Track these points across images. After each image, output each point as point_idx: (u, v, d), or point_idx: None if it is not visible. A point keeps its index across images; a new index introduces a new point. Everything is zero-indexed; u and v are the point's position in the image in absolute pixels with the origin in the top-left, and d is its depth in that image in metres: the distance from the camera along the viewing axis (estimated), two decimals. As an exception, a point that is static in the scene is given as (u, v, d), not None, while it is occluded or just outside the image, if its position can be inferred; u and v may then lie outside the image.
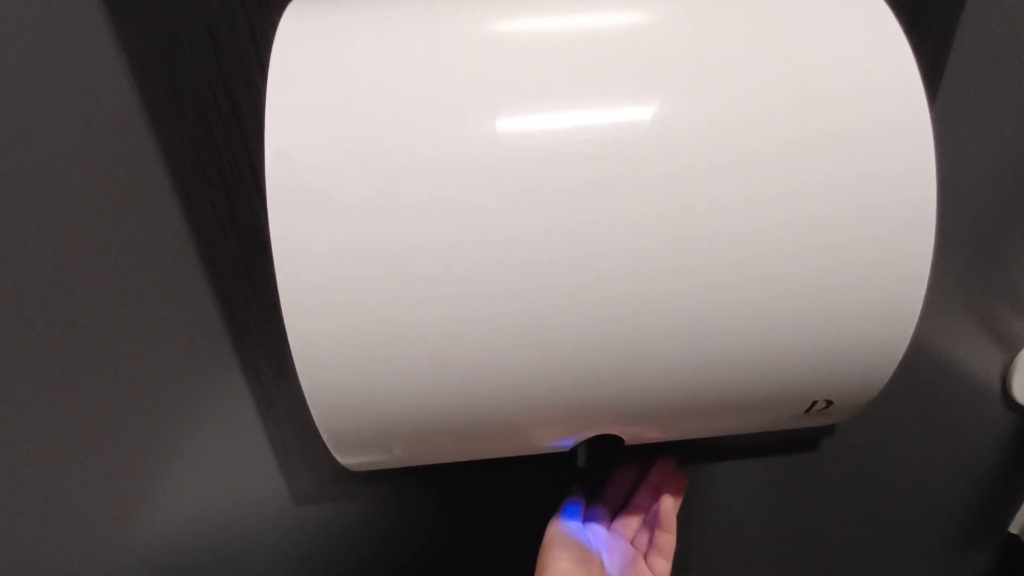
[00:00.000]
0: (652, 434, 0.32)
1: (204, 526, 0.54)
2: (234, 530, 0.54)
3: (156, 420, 0.47)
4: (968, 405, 0.55)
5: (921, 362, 0.52)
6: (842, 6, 0.27)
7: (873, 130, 0.25)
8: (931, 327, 0.50)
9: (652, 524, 0.37)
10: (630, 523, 0.37)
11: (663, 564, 0.35)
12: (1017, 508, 0.63)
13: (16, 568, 0.52)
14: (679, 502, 0.37)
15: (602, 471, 0.35)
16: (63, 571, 0.54)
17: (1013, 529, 0.63)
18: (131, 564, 0.54)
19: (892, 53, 0.26)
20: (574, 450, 0.32)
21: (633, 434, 0.31)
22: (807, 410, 0.30)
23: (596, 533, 0.36)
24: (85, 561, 0.53)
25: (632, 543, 0.36)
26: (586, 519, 0.37)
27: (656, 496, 0.38)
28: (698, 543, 0.62)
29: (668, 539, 0.36)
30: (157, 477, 0.50)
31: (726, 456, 0.55)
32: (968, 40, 0.38)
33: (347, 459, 0.29)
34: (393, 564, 0.59)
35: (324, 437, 0.27)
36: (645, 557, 0.36)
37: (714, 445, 0.54)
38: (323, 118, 0.24)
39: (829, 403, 0.29)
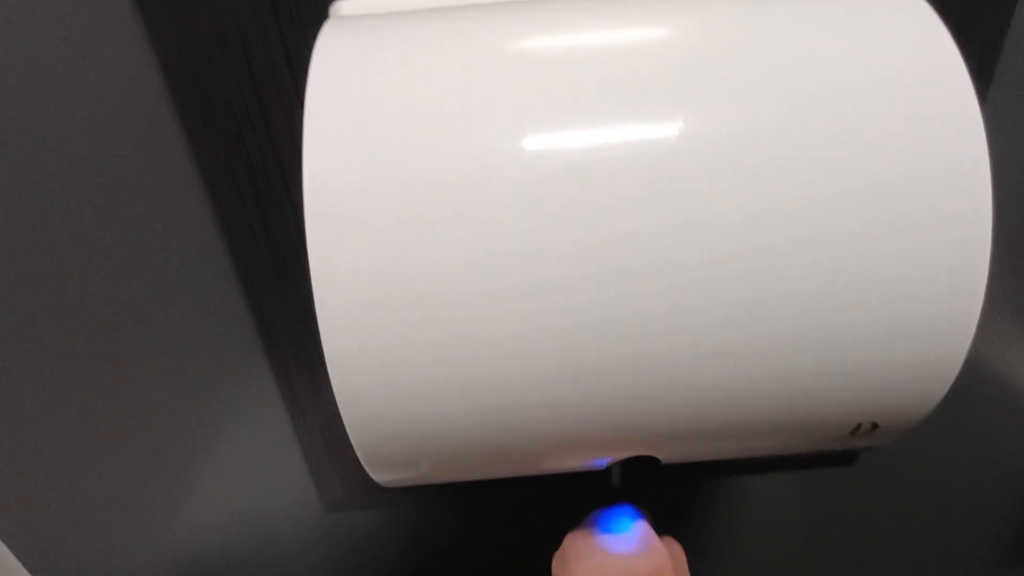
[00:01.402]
0: (689, 455, 0.31)
1: (236, 532, 0.55)
2: (265, 537, 0.55)
3: (189, 427, 0.48)
4: (1015, 420, 0.53)
5: (967, 373, 0.50)
6: (883, 8, 0.26)
7: (921, 135, 0.24)
8: (978, 341, 0.48)
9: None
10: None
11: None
12: (1065, 524, 0.61)
13: (49, 572, 0.54)
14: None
15: (638, 491, 0.35)
16: (100, 572, 0.55)
17: (1061, 545, 0.61)
18: (163, 569, 0.56)
19: (938, 54, 0.25)
20: (609, 469, 0.31)
21: (670, 455, 0.30)
22: (851, 432, 0.29)
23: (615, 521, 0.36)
24: (118, 565, 0.55)
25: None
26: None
27: None
28: (732, 557, 0.61)
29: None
30: (189, 484, 0.51)
31: (762, 469, 0.54)
32: (1020, 41, 0.37)
33: (381, 476, 0.30)
34: (423, 572, 0.59)
35: (359, 456, 0.27)
36: None
37: (749, 459, 0.53)
38: (359, 140, 0.24)
39: (875, 426, 0.28)
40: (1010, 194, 0.42)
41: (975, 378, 0.50)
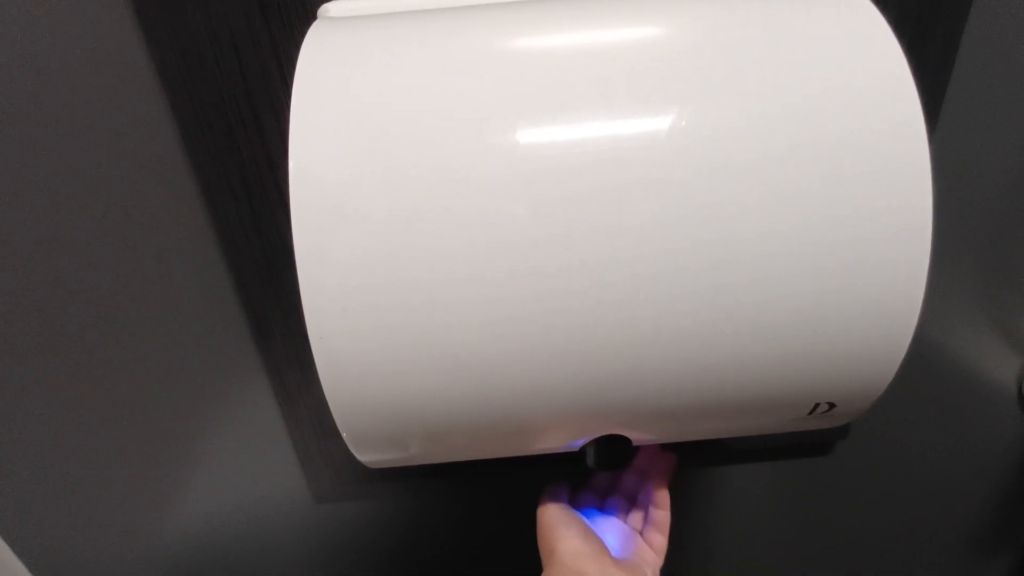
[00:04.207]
0: (657, 434, 0.32)
1: (228, 523, 0.55)
2: (257, 527, 0.56)
3: (183, 421, 0.49)
4: (984, 409, 0.54)
5: (936, 365, 0.51)
6: (838, 16, 0.28)
7: (869, 135, 0.26)
8: (947, 331, 0.50)
9: (646, 503, 0.38)
10: (620, 505, 0.39)
11: (660, 539, 0.37)
12: (1036, 514, 0.62)
13: (47, 564, 0.54)
14: (669, 478, 0.39)
15: (611, 470, 0.36)
16: (93, 566, 0.56)
17: (1032, 535, 0.63)
18: (158, 558, 0.56)
19: (887, 59, 0.27)
20: (583, 450, 0.33)
21: (639, 434, 0.32)
22: (810, 412, 0.30)
23: (589, 517, 0.37)
24: (114, 556, 0.55)
25: (625, 523, 0.38)
26: (576, 506, 0.38)
27: (642, 478, 0.39)
28: (710, 547, 0.62)
29: (663, 515, 0.37)
30: (183, 476, 0.52)
31: (739, 459, 0.56)
32: (973, 48, 0.38)
33: (365, 456, 0.31)
34: (411, 561, 0.60)
35: (343, 435, 0.29)
36: (641, 534, 0.38)
37: (726, 448, 0.54)
38: (344, 132, 0.25)
39: (832, 405, 0.30)
40: (974, 188, 0.44)
41: (944, 370, 0.52)
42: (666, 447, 0.40)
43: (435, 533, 0.58)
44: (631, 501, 0.39)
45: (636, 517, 0.38)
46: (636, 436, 0.32)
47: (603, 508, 0.39)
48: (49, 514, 0.52)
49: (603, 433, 0.31)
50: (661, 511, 0.37)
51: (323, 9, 0.33)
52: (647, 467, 0.40)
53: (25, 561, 0.54)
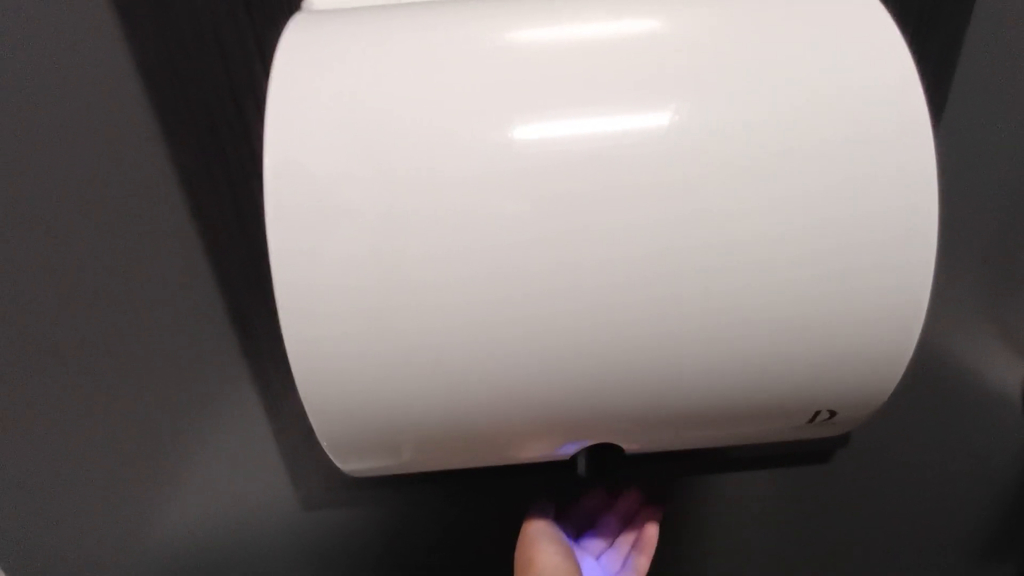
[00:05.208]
0: (651, 443, 0.31)
1: (214, 530, 0.54)
2: (243, 534, 0.55)
3: (168, 426, 0.48)
4: (987, 416, 0.54)
5: (939, 373, 0.51)
6: (843, 14, 0.27)
7: (874, 138, 0.25)
8: (950, 338, 0.49)
9: (631, 546, 0.38)
10: (596, 544, 0.39)
11: None
12: (1040, 522, 0.61)
13: (32, 571, 0.54)
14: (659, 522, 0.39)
15: (602, 479, 0.35)
16: (78, 573, 0.55)
17: (1037, 544, 0.62)
18: (143, 566, 0.55)
19: (893, 60, 0.26)
20: (574, 458, 0.32)
21: (632, 443, 0.31)
22: (811, 420, 0.29)
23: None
24: (100, 563, 0.55)
25: (596, 561, 0.38)
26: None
27: (623, 523, 0.39)
28: (707, 554, 0.61)
29: (644, 562, 0.37)
30: (168, 482, 0.51)
31: (737, 467, 0.55)
32: (976, 45, 0.38)
33: (347, 465, 0.30)
34: (400, 569, 0.59)
35: (323, 444, 0.28)
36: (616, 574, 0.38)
37: (724, 456, 0.53)
38: (323, 126, 0.25)
39: (833, 413, 0.29)
40: (977, 193, 0.43)
41: (947, 378, 0.51)
42: (655, 499, 0.40)
43: (426, 540, 0.57)
44: (608, 541, 0.39)
45: (613, 558, 0.38)
46: (630, 445, 0.31)
47: (578, 540, 0.39)
48: (30, 523, 0.51)
49: (595, 441, 0.30)
50: (644, 559, 0.37)
51: (307, 2, 0.32)
52: (630, 515, 0.40)
53: (6, 569, 0.53)
